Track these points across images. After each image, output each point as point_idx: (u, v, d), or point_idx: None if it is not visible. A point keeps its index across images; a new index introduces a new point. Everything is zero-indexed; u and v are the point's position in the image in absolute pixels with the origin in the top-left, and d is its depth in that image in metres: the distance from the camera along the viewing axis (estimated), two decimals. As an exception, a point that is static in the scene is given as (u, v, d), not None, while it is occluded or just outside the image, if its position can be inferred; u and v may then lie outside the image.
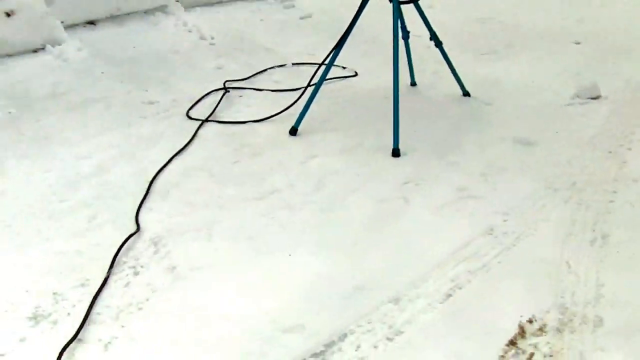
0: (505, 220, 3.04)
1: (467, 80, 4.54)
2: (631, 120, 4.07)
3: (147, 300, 2.52)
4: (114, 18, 6.30)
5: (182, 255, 2.78)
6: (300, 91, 4.39)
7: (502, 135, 3.91)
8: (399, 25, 4.10)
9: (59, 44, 5.65)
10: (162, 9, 6.48)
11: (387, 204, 3.20)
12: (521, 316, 2.41)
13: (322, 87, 4.03)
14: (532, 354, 2.26)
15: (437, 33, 4.49)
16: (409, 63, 4.63)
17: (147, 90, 4.82)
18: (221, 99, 4.53)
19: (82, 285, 2.63)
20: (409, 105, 4.22)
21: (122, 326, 2.37)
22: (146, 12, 6.42)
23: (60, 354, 2.24)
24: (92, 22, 6.24)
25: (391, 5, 3.97)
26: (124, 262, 2.78)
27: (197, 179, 3.48)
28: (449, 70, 4.46)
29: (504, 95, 4.52)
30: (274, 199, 3.27)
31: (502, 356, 2.24)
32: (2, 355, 2.23)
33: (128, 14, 6.37)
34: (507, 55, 5.35)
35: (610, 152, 3.68)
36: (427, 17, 4.30)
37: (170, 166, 3.63)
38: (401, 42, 4.25)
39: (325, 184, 3.40)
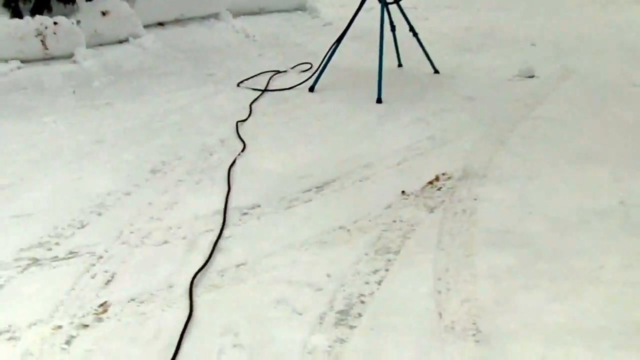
0: (443, 132, 4.91)
1: (442, 66, 6.40)
2: (550, 90, 5.91)
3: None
4: (179, 21, 8.29)
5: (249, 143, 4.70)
6: (317, 66, 6.25)
7: (455, 94, 5.76)
8: (388, 20, 6.00)
9: (139, 37, 7.62)
10: (216, 15, 8.46)
11: (368, 124, 5.08)
12: (438, 172, 4.28)
13: (330, 65, 5.94)
14: (440, 188, 4.12)
15: (430, 37, 6.42)
16: (396, 50, 6.50)
17: (207, 68, 6.75)
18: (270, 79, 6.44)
19: (179, 159, 4.53)
20: (393, 78, 6.10)
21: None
22: (203, 17, 8.40)
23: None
24: (161, 24, 8.22)
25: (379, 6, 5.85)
26: (202, 149, 4.68)
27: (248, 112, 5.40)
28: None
29: (465, 74, 6.38)
30: (296, 122, 5.19)
31: (424, 186, 4.11)
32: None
33: (189, 18, 8.35)
34: (477, 52, 7.21)
35: (526, 104, 5.54)
36: (424, 24, 6.22)
37: (229, 107, 5.55)
38: (390, 34, 6.14)
39: (330, 115, 5.30)
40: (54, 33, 6.83)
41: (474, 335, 2.73)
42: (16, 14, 7.15)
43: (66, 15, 7.12)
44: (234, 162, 4.40)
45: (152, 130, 5.04)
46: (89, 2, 7.41)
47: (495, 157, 4.34)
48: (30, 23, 6.81)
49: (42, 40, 6.76)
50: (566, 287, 2.99)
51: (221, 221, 3.66)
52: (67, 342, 2.78)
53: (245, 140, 4.74)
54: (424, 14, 8.66)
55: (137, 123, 5.19)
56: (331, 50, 5.87)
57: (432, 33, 7.47)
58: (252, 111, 5.37)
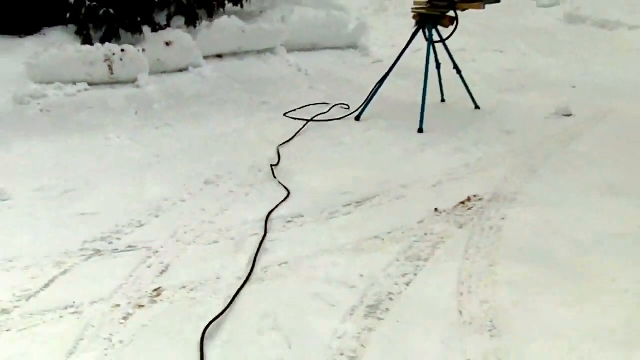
0: (478, 160, 5.24)
1: (483, 103, 6.71)
2: (584, 128, 6.20)
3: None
4: (236, 54, 8.77)
5: (295, 166, 5.10)
6: (364, 99, 6.64)
7: (493, 128, 6.07)
8: (434, 58, 6.38)
9: (199, 67, 8.11)
10: (271, 50, 8.94)
11: (409, 151, 5.42)
12: (471, 194, 4.60)
13: (377, 98, 6.34)
14: (471, 207, 4.44)
15: (474, 77, 6.78)
16: (440, 86, 6.86)
17: (262, 97, 7.19)
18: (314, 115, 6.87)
19: (231, 173, 4.95)
20: (436, 111, 6.44)
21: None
22: (259, 51, 8.88)
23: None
24: (220, 56, 8.72)
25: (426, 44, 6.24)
26: (253, 167, 5.09)
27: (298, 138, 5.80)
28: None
29: (504, 111, 6.68)
30: (342, 147, 5.57)
31: (456, 205, 4.43)
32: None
33: (246, 52, 8.84)
34: (518, 92, 7.51)
35: (560, 140, 5.83)
36: (471, 65, 6.58)
37: (280, 132, 5.96)
38: (435, 72, 6.52)
39: (373, 141, 5.66)
40: (121, 59, 7.35)
41: (489, 330, 3.03)
42: (87, 40, 7.71)
43: (133, 43, 7.65)
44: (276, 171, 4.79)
45: (207, 149, 5.46)
46: (154, 33, 7.93)
47: (526, 185, 4.64)
48: (100, 49, 7.35)
49: (109, 65, 7.29)
50: (577, 295, 3.27)
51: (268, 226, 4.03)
52: (125, 318, 3.16)
53: (294, 161, 5.12)
54: (472, 56, 9.01)
55: (193, 142, 5.62)
56: (378, 83, 6.25)
57: (477, 73, 7.81)
58: (301, 136, 5.75)
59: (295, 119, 6.24)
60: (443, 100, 6.81)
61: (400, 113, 6.33)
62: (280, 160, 5.14)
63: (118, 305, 3.24)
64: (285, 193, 4.50)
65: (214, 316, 3.11)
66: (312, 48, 9.21)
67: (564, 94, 7.01)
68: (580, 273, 3.46)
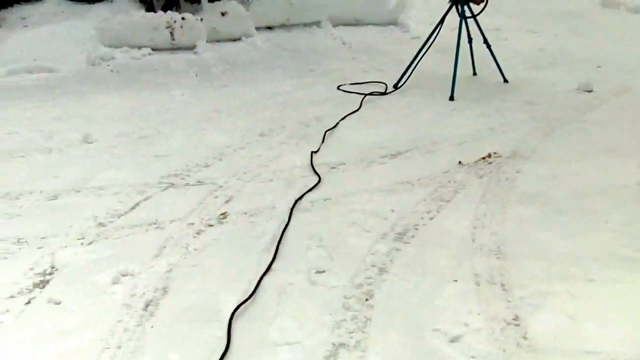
0: (501, 125, 5.92)
1: (511, 77, 7.31)
2: (602, 102, 6.81)
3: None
4: (285, 26, 9.50)
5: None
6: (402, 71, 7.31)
7: (517, 99, 6.70)
8: (466, 32, 7.04)
9: (251, 36, 8.85)
10: (317, 23, 9.65)
11: (440, 114, 6.10)
12: (491, 151, 5.29)
13: (414, 72, 7.02)
14: (490, 162, 5.13)
15: (505, 54, 7.41)
16: (472, 60, 7.50)
17: (308, 65, 7.91)
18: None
19: (283, 127, 5.69)
20: (467, 83, 7.09)
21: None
22: (306, 24, 9.59)
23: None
24: (270, 27, 9.46)
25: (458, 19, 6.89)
26: (301, 122, 5.81)
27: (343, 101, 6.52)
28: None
29: (530, 85, 7.31)
30: (381, 109, 6.28)
31: (477, 160, 5.13)
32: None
33: (294, 24, 9.56)
34: (546, 69, 8.11)
35: (577, 110, 6.47)
36: (503, 43, 7.21)
37: (324, 94, 6.68)
38: (467, 46, 7.17)
39: (409, 106, 6.36)
40: (181, 27, 8.12)
41: (496, 254, 3.74)
42: (150, 8, 8.49)
43: (191, 12, 8.40)
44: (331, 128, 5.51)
45: (261, 106, 6.20)
46: (211, 3, 8.68)
47: (540, 145, 5.31)
48: (163, 17, 8.12)
49: (170, 32, 8.07)
50: (572, 230, 3.95)
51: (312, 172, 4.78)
52: (198, 233, 3.93)
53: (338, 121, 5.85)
54: (505, 35, 9.61)
55: (248, 100, 6.37)
56: (416, 56, 6.93)
57: (508, 51, 8.43)
58: (347, 100, 6.47)
59: (346, 91, 6.88)
60: (475, 74, 7.44)
61: (434, 83, 6.98)
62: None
63: (192, 224, 4.00)
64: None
65: (271, 235, 3.83)
66: (356, 23, 9.88)
67: (589, 72, 7.57)
68: (579, 215, 4.13)
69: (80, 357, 2.82)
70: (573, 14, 11.31)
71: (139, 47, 7.90)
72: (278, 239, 3.82)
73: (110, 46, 7.79)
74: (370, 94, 6.57)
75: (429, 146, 5.25)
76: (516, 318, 3.13)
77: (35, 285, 3.33)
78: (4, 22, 8.11)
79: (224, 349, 2.84)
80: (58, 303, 3.19)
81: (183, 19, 8.07)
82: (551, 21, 10.59)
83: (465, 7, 6.74)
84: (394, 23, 10.01)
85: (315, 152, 4.95)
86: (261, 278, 3.40)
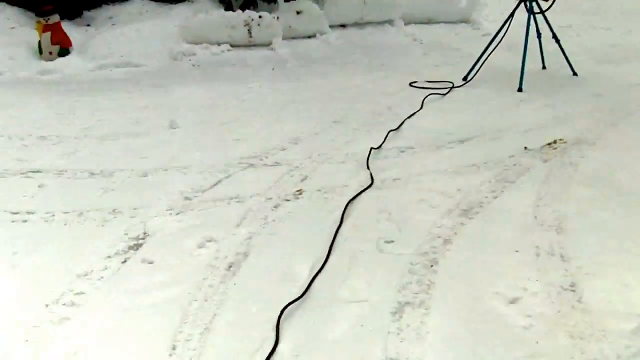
0: (567, 114, 6.07)
1: (581, 72, 7.40)
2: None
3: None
4: (358, 24, 9.80)
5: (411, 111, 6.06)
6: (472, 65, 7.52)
7: (585, 92, 6.82)
8: (535, 28, 7.21)
9: (325, 34, 9.19)
10: (390, 22, 9.93)
11: (508, 105, 6.29)
12: (557, 138, 5.47)
13: (484, 66, 7.22)
14: (556, 148, 5.32)
15: (576, 49, 7.56)
16: (541, 54, 7.65)
17: (379, 60, 8.20)
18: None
19: (355, 116, 5.97)
20: (536, 76, 7.25)
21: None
22: (379, 22, 9.87)
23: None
24: (343, 25, 9.78)
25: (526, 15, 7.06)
26: (373, 112, 6.10)
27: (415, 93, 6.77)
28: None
29: (600, 78, 7.40)
30: (450, 99, 6.52)
31: (543, 146, 5.32)
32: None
33: (367, 22, 9.85)
34: (617, 64, 8.19)
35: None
36: (575, 39, 7.37)
37: (395, 87, 6.94)
38: (536, 41, 7.34)
39: (478, 96, 6.58)
40: (258, 25, 8.51)
41: (556, 229, 3.94)
42: (229, 7, 8.92)
43: (268, 11, 8.79)
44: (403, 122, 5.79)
45: (334, 97, 6.52)
46: (287, 2, 9.05)
47: (605, 134, 5.46)
48: (241, 15, 8.53)
49: (248, 30, 8.46)
50: (632, 211, 4.11)
51: (385, 155, 5.06)
52: (275, 207, 4.25)
53: (410, 109, 6.11)
54: (577, 32, 9.71)
55: (322, 92, 6.69)
56: (485, 49, 7.14)
57: (579, 46, 8.55)
58: (419, 91, 6.73)
59: (418, 87, 7.13)
60: (544, 68, 7.60)
61: (503, 77, 7.17)
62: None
63: (270, 199, 4.33)
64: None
65: (343, 208, 4.13)
66: (427, 21, 10.12)
67: (661, 66, 7.64)
68: (638, 197, 4.30)
69: (170, 307, 3.15)
70: (645, 11, 11.27)
71: (218, 44, 8.31)
72: (343, 210, 4.05)
73: (191, 43, 8.23)
74: (434, 92, 6.76)
75: (495, 133, 5.46)
76: (572, 284, 3.33)
77: (130, 248, 3.70)
78: (93, 21, 8.65)
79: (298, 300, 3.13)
80: (151, 262, 3.55)
81: (260, 17, 8.45)
82: (624, 18, 10.61)
83: (534, 3, 6.88)
84: (465, 21, 10.20)
85: (377, 147, 5.19)
86: (331, 245, 3.67)
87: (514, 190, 4.42)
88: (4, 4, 8.35)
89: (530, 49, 6.97)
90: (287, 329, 2.99)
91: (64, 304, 3.17)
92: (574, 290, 3.27)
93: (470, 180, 4.54)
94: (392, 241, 3.77)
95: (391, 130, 5.50)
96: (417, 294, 3.26)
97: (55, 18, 7.64)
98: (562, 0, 11.72)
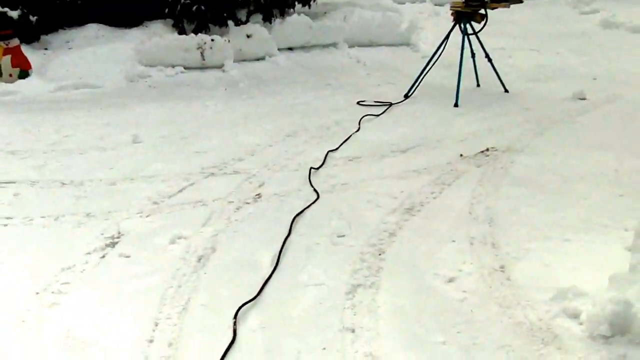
0: (499, 126, 6.68)
1: (512, 89, 8.04)
2: (593, 108, 7.53)
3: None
4: (304, 47, 10.32)
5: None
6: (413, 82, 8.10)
7: (516, 106, 7.42)
8: (469, 47, 7.83)
9: (274, 56, 9.68)
10: (335, 44, 10.47)
11: (445, 118, 6.85)
12: (489, 146, 6.06)
13: (422, 84, 7.80)
14: (488, 155, 5.89)
15: (508, 70, 8.21)
16: (475, 73, 8.27)
17: (326, 80, 8.72)
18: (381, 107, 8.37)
19: (305, 130, 6.47)
20: (471, 93, 7.82)
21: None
22: (324, 45, 10.41)
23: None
24: (291, 48, 10.29)
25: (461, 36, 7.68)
26: (322, 126, 6.61)
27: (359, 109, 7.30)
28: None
29: (529, 94, 8.02)
30: (393, 114, 7.07)
31: (477, 153, 5.89)
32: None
33: (313, 45, 10.38)
34: (545, 81, 8.83)
35: (569, 115, 7.22)
36: (507, 60, 8.09)
37: (341, 103, 7.47)
38: (470, 61, 7.96)
39: (417, 111, 7.13)
40: (210, 48, 8.96)
41: (488, 223, 4.47)
42: (182, 32, 9.37)
43: (220, 35, 9.27)
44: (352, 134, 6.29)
45: (284, 113, 7.00)
46: (237, 26, 9.54)
47: (533, 142, 6.05)
48: (194, 39, 8.97)
49: (201, 52, 8.91)
50: (556, 206, 4.67)
51: (334, 163, 5.55)
52: (237, 209, 4.69)
53: (355, 124, 6.62)
54: (509, 54, 10.41)
55: (274, 109, 7.16)
56: (424, 68, 7.73)
57: (511, 67, 9.21)
58: (363, 108, 7.26)
59: (364, 105, 7.66)
60: (478, 85, 8.21)
61: (441, 93, 7.75)
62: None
63: (232, 202, 4.78)
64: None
65: (298, 209, 4.60)
66: (370, 44, 10.70)
67: (584, 84, 8.28)
68: (561, 195, 4.86)
69: (149, 294, 3.56)
70: (575, 35, 12.10)
71: (172, 66, 8.73)
72: (295, 214, 4.52)
73: (146, 65, 8.63)
74: (370, 113, 7.30)
75: (434, 143, 6.01)
76: (502, 267, 3.87)
77: (107, 245, 4.11)
78: (50, 45, 8.98)
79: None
80: (128, 256, 3.96)
81: (212, 40, 8.91)
82: (553, 42, 11.36)
83: (468, 25, 7.50)
84: (406, 44, 10.82)
85: (319, 167, 5.56)
86: (286, 238, 4.15)
87: (451, 191, 4.95)
88: (-39, 29, 8.61)
89: (466, 67, 7.55)
90: (255, 307, 3.43)
91: (52, 292, 3.57)
92: (503, 271, 3.79)
93: (412, 184, 5.06)
94: (344, 235, 4.26)
95: (330, 151, 5.88)
96: (367, 277, 3.75)
97: (15, 42, 7.96)
98: (495, 24, 12.56)
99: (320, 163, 5.52)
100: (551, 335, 3.18)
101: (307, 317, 3.35)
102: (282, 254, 3.99)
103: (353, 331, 3.24)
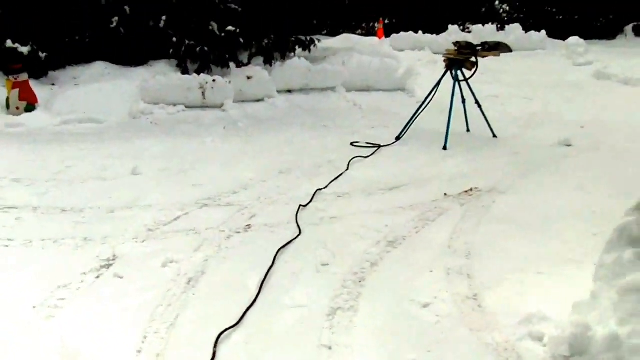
0: (486, 168, 6.96)
1: (502, 135, 8.29)
2: (578, 153, 7.84)
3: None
4: (303, 90, 10.67)
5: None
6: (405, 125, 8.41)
7: (504, 150, 7.74)
8: (460, 93, 8.16)
9: (273, 98, 10.03)
10: (332, 88, 10.82)
11: (434, 160, 7.13)
12: (474, 186, 6.33)
13: (415, 128, 8.11)
14: (471, 195, 6.17)
15: (500, 117, 8.54)
16: (465, 118, 8.59)
17: (322, 122, 9.04)
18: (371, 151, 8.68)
19: (299, 167, 6.76)
20: (460, 137, 8.13)
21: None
22: (323, 89, 10.77)
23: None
24: (290, 91, 10.65)
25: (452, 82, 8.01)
26: (315, 164, 6.89)
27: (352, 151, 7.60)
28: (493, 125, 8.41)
29: (518, 140, 8.34)
30: (384, 155, 7.35)
31: (461, 193, 6.16)
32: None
33: (311, 89, 10.73)
34: (534, 128, 9.15)
35: (554, 160, 7.50)
36: (500, 108, 8.44)
37: (336, 144, 7.77)
38: (461, 106, 8.29)
39: (408, 152, 7.42)
40: (212, 88, 9.30)
41: (466, 256, 4.70)
42: (185, 71, 9.73)
43: (221, 75, 9.62)
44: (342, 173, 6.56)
45: (280, 152, 7.29)
46: (238, 68, 9.90)
47: (516, 183, 6.31)
48: (196, 79, 9.32)
49: (202, 92, 9.25)
50: (532, 241, 4.89)
51: (324, 198, 5.81)
52: (228, 237, 4.94)
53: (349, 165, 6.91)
54: (502, 101, 10.76)
55: (269, 147, 7.45)
56: (416, 112, 8.05)
57: (503, 114, 9.55)
58: (354, 150, 7.56)
59: (357, 146, 7.96)
60: (468, 130, 8.51)
61: (432, 137, 8.05)
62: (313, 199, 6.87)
63: (223, 231, 5.03)
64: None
65: (287, 240, 4.85)
66: (367, 89, 11.06)
67: (572, 131, 8.58)
68: (539, 231, 5.07)
69: (140, 310, 3.79)
70: (568, 84, 12.48)
71: (174, 104, 9.06)
72: (281, 245, 4.78)
73: (149, 103, 8.95)
74: (359, 155, 7.58)
75: (421, 182, 6.27)
76: (475, 295, 4.09)
77: (102, 267, 4.36)
78: (58, 80, 9.34)
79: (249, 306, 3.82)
80: (121, 277, 4.21)
81: (214, 80, 9.25)
82: (547, 91, 11.73)
83: (459, 72, 7.83)
84: (402, 89, 11.17)
85: (307, 204, 5.75)
86: (271, 266, 4.40)
87: (433, 227, 5.20)
88: (-28, 63, 8.99)
89: (458, 113, 7.86)
90: (240, 325, 3.66)
91: (48, 306, 3.80)
92: (475, 299, 4.02)
93: (397, 219, 5.31)
94: (328, 264, 4.50)
95: (319, 189, 6.13)
96: (347, 301, 3.98)
97: (24, 76, 8.30)
98: (491, 72, 12.98)
99: (309, 199, 5.67)
100: (515, 355, 3.39)
101: (288, 335, 3.57)
102: (267, 279, 4.20)
103: (330, 348, 3.44)
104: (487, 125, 8.12)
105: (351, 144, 7.69)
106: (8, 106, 8.11)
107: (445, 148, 7.47)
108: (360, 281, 4.21)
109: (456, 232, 5.03)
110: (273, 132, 8.13)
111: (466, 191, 5.97)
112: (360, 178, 6.33)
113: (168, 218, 5.18)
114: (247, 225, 5.09)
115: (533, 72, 13.81)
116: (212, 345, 3.43)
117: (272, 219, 5.25)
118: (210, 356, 3.35)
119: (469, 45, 7.73)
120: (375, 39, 17.87)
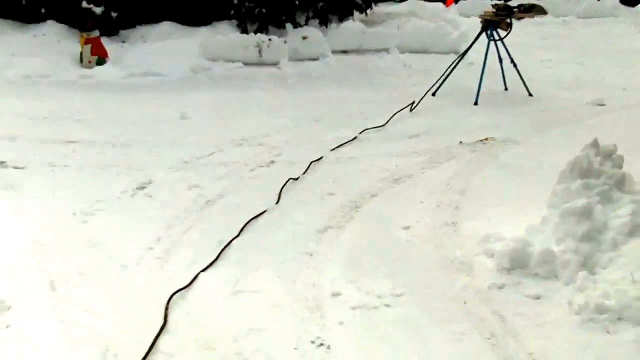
0: (508, 123, 7.40)
1: (539, 94, 8.63)
2: (609, 112, 8.17)
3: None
4: (357, 51, 11.22)
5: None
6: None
7: (534, 108, 8.15)
8: (497, 53, 8.57)
9: (327, 57, 10.63)
10: (387, 50, 11.34)
11: (461, 114, 7.60)
12: (490, 136, 6.82)
13: (451, 84, 8.57)
14: (485, 143, 6.66)
15: (545, 79, 8.98)
16: (502, 77, 8.99)
17: (369, 80, 9.59)
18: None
19: (338, 116, 7.40)
20: (495, 95, 8.49)
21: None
22: (377, 50, 11.31)
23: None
24: (345, 51, 11.22)
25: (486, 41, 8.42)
26: (352, 115, 7.49)
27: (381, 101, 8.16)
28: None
29: (552, 99, 8.64)
30: (420, 110, 7.90)
31: (475, 141, 6.67)
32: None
33: (366, 50, 11.29)
34: (574, 90, 9.37)
35: (581, 118, 7.85)
36: (547, 71, 9.03)
37: (378, 99, 8.34)
38: (499, 66, 8.69)
39: (439, 107, 7.96)
40: (268, 46, 9.97)
41: (459, 192, 5.24)
42: (244, 31, 10.43)
43: (278, 35, 10.29)
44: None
45: (318, 104, 7.88)
46: (295, 29, 10.55)
47: (533, 137, 6.71)
48: (253, 38, 10.00)
49: (259, 50, 9.93)
50: (524, 186, 5.36)
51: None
52: (252, 170, 5.66)
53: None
54: (552, 65, 11.02)
55: (311, 100, 8.02)
56: (449, 67, 8.52)
57: (547, 76, 9.85)
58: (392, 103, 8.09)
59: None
60: (506, 89, 8.91)
61: (467, 94, 8.43)
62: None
63: (247, 165, 5.74)
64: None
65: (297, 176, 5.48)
66: (422, 51, 11.52)
67: (611, 93, 8.87)
68: (533, 178, 5.52)
69: (161, 220, 4.53)
70: (626, 51, 12.56)
71: (232, 61, 9.78)
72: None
73: (209, 59, 9.70)
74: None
75: (441, 132, 6.80)
76: (454, 222, 4.66)
77: (137, 188, 5.11)
78: (128, 38, 10.19)
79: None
80: (151, 196, 4.96)
81: (270, 40, 9.92)
82: (603, 56, 11.85)
83: (494, 32, 8.24)
84: (455, 52, 11.54)
85: (295, 178, 5.52)
86: (280, 191, 5.07)
87: (439, 168, 5.75)
88: (52, 21, 9.92)
89: (497, 72, 8.36)
90: (238, 240, 4.33)
91: (85, 214, 4.59)
92: (454, 225, 4.60)
93: (408, 161, 5.89)
94: (333, 194, 5.12)
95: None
96: (339, 222, 4.61)
97: (95, 33, 9.16)
98: (553, 38, 13.19)
99: (336, 144, 6.33)
100: (467, 266, 3.96)
101: (278, 244, 4.25)
102: (278, 203, 4.92)
103: (311, 255, 4.11)
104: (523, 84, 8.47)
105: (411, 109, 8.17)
106: (82, 60, 8.98)
107: (476, 103, 7.93)
108: (356, 207, 4.83)
109: (458, 174, 5.57)
110: (318, 88, 8.72)
111: (481, 140, 6.45)
112: (384, 127, 6.86)
113: (203, 153, 5.90)
114: (270, 161, 5.75)
115: (597, 38, 13.87)
116: (216, 252, 4.11)
117: (295, 157, 5.87)
118: (213, 258, 4.00)
119: (506, 7, 8.11)
120: (441, 5, 18.09)
